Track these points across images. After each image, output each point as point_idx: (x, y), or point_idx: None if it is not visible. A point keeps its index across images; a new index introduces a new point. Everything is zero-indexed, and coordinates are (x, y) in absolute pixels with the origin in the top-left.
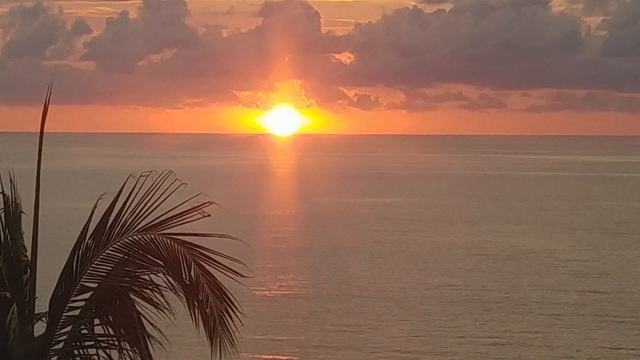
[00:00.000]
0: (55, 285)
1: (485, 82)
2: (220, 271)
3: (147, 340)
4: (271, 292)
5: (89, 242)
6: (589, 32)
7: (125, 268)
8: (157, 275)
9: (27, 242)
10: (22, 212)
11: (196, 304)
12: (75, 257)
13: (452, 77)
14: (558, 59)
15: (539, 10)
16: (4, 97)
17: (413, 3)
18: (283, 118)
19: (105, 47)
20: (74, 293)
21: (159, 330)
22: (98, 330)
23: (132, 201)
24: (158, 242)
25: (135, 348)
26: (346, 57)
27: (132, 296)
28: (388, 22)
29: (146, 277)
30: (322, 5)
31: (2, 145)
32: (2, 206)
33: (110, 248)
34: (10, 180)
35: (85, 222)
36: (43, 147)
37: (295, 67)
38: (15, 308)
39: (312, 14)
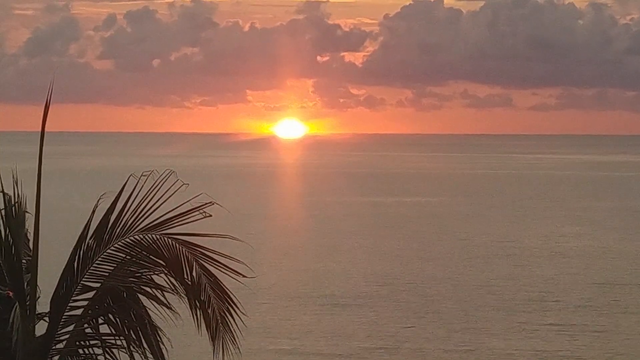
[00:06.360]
0: (56, 284)
1: (500, 81)
2: (222, 271)
3: (158, 337)
4: (273, 292)
5: (90, 241)
6: (617, 30)
7: (127, 268)
8: (159, 276)
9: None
10: (27, 212)
11: (198, 304)
12: (77, 257)
13: (467, 75)
14: (584, 57)
15: (568, 8)
16: (26, 96)
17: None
18: (290, 122)
19: (124, 46)
20: (76, 293)
21: (161, 331)
22: (101, 329)
23: (133, 201)
24: (159, 242)
25: (143, 347)
26: (361, 56)
27: (136, 296)
28: (408, 22)
29: (148, 277)
30: (348, 5)
31: (23, 145)
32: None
33: (112, 248)
34: (14, 180)
35: (86, 221)
36: (52, 147)
37: (309, 66)
38: (18, 307)
39: (336, 13)
